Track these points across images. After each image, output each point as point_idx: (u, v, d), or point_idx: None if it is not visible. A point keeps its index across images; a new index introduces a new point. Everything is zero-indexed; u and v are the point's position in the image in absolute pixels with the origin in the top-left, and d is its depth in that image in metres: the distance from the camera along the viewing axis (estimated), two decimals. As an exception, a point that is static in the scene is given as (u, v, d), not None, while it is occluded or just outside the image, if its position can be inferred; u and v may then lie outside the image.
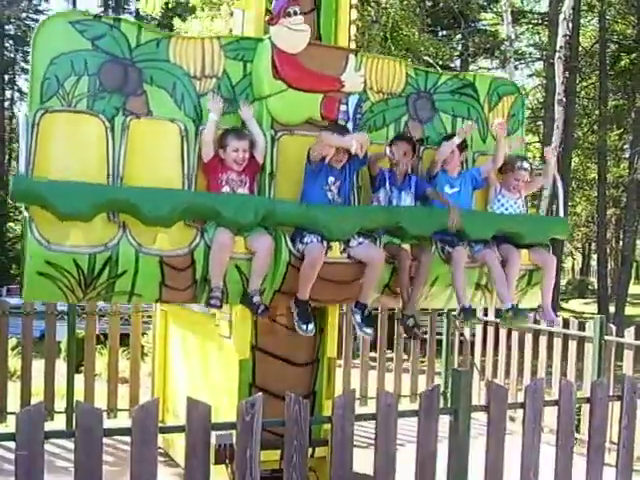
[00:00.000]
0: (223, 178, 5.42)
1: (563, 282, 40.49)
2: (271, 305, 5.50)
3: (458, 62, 32.80)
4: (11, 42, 36.75)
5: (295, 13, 5.55)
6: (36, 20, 36.20)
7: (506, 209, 6.31)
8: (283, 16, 5.52)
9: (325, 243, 5.40)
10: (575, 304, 40.19)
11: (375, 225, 5.61)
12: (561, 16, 23.93)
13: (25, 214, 4.92)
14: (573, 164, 33.03)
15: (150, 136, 5.34)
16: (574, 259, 45.98)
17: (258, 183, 5.61)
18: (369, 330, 5.63)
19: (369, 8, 23.61)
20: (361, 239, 5.57)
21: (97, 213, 4.92)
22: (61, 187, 4.82)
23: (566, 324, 8.68)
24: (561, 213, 6.83)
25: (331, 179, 5.59)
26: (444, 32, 31.08)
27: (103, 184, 5.08)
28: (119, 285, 5.09)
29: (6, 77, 37.00)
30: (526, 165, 6.37)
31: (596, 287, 33.50)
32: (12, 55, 37.01)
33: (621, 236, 34.08)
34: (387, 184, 5.84)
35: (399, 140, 5.94)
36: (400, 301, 5.83)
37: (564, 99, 23.91)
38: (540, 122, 32.16)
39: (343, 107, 5.75)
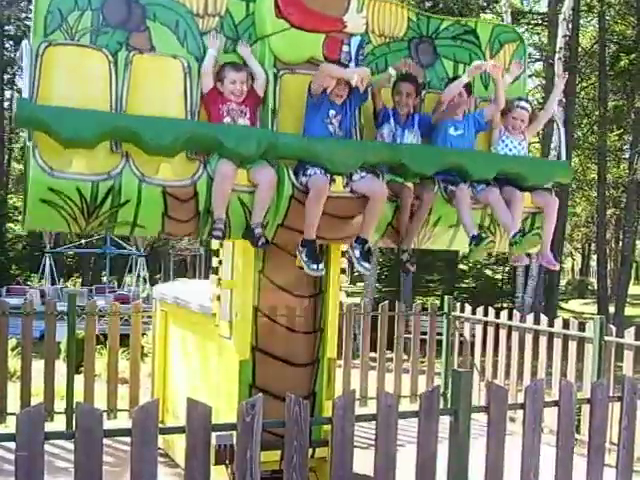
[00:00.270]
0: (224, 109, 5.44)
1: (563, 282, 40.44)
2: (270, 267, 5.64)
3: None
4: (11, 42, 36.77)
5: None
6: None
7: (510, 150, 6.31)
8: None
9: (328, 176, 5.39)
10: (575, 304, 40.18)
11: (377, 160, 5.60)
12: (560, 17, 24.02)
13: (27, 144, 4.96)
14: (573, 164, 33.09)
15: (153, 71, 5.37)
16: (574, 259, 46.00)
17: (261, 120, 5.62)
18: (367, 265, 5.59)
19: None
20: (364, 173, 5.57)
21: (100, 140, 4.94)
22: (64, 112, 4.83)
23: (566, 325, 8.68)
24: (563, 156, 6.89)
25: (332, 112, 5.61)
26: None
27: (106, 111, 5.12)
28: (122, 215, 5.10)
29: (5, 77, 36.97)
30: (524, 104, 6.36)
31: (596, 287, 33.53)
32: (12, 55, 37.00)
33: (621, 236, 34.10)
34: (391, 120, 5.88)
35: (403, 80, 5.96)
36: (400, 238, 5.86)
37: (564, 100, 23.94)
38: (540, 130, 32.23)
39: (345, 48, 5.78)
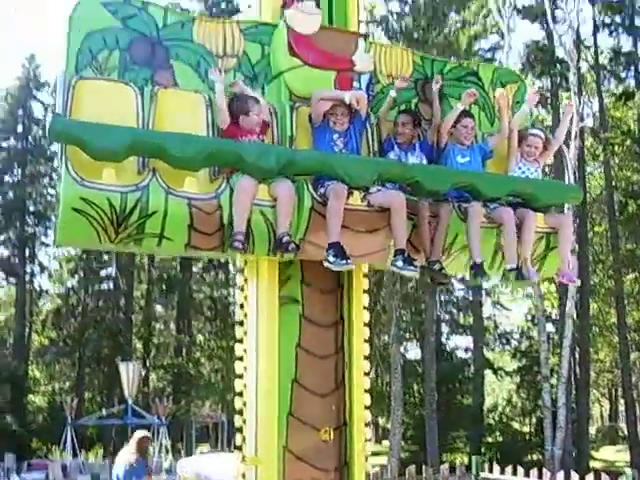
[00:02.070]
0: (245, 141, 5.74)
1: (592, 430, 39.41)
2: None
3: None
4: (32, 217, 38.00)
5: None
6: (55, 195, 37.59)
7: (526, 177, 6.54)
8: (296, 0, 6.07)
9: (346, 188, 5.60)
10: (607, 452, 38.95)
11: (391, 176, 5.83)
12: (565, 169, 24.68)
13: (61, 160, 5.25)
14: (592, 310, 33.09)
15: (177, 104, 5.75)
16: (601, 406, 45.05)
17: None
18: (412, 268, 5.67)
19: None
20: (380, 187, 5.80)
21: (128, 153, 5.22)
22: (95, 126, 5.15)
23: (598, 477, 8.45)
24: (571, 180, 7.09)
25: (335, 136, 5.97)
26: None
27: (134, 127, 5.47)
28: (149, 226, 5.31)
29: (27, 251, 37.97)
30: (537, 131, 6.68)
31: (626, 433, 32.64)
32: (32, 230, 38.17)
33: (647, 380, 33.60)
34: (395, 147, 6.25)
35: (401, 113, 6.40)
36: (421, 255, 6.00)
37: (577, 248, 24.40)
38: (556, 271, 32.46)
39: (356, 84, 6.17)
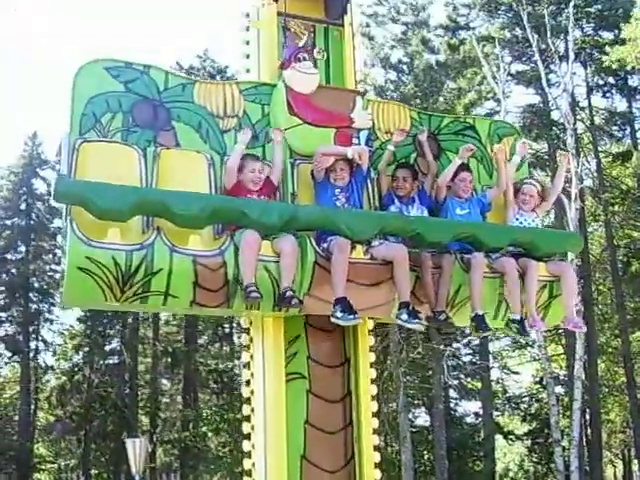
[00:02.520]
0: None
1: (607, 493, 38.80)
2: None
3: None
4: (35, 294, 38.00)
5: (304, 59, 6.28)
6: (60, 272, 37.67)
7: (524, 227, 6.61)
8: (294, 61, 6.25)
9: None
10: (623, 514, 38.31)
11: (393, 229, 5.89)
12: (567, 229, 24.85)
13: (65, 222, 5.35)
14: (600, 371, 32.85)
15: (179, 164, 5.92)
16: (614, 466, 44.32)
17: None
18: (417, 321, 5.71)
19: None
20: (382, 240, 5.87)
21: (132, 211, 5.31)
22: (99, 187, 5.27)
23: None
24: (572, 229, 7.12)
25: (337, 190, 6.10)
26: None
27: (138, 186, 5.61)
28: (155, 284, 5.36)
29: (31, 329, 37.89)
30: (530, 180, 6.82)
31: (641, 494, 32.18)
32: (36, 307, 38.14)
33: (660, 439, 33.12)
34: (396, 201, 6.36)
35: (400, 167, 6.53)
36: (426, 307, 6.02)
37: (582, 309, 24.37)
38: (562, 331, 32.36)
39: (355, 140, 6.30)
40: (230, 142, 6.19)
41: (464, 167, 6.58)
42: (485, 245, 6.12)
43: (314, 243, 5.68)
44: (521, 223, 6.63)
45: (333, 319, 5.57)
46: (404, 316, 5.69)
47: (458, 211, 6.46)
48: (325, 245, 5.67)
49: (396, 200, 6.37)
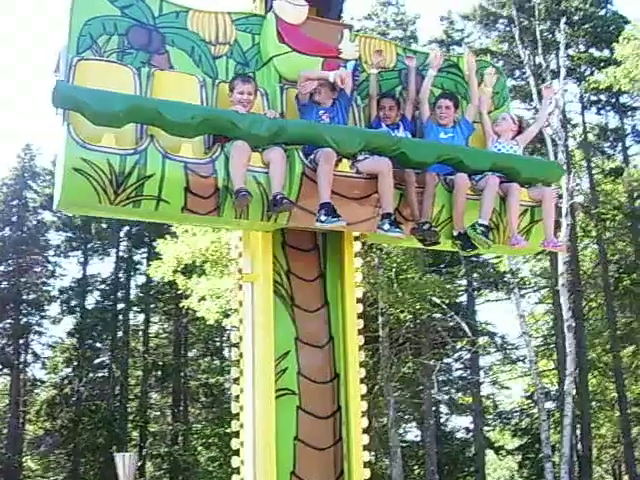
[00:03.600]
0: None
1: (598, 508, 38.65)
2: None
3: (464, 297, 33.69)
4: (26, 306, 37.94)
5: None
6: (50, 285, 37.93)
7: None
8: None
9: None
10: (615, 530, 38.09)
11: (378, 145, 6.05)
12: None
13: (62, 126, 5.49)
14: (591, 386, 32.87)
15: (172, 85, 6.08)
16: (605, 483, 44.19)
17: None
18: (399, 230, 5.91)
19: (372, 254, 24.96)
20: (367, 154, 6.05)
21: (127, 118, 5.49)
22: (96, 92, 5.47)
23: None
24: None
25: (321, 111, 6.28)
26: (447, 269, 32.11)
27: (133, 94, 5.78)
28: (147, 188, 5.54)
29: (20, 342, 37.79)
30: (504, 114, 7.06)
31: (632, 509, 32.06)
32: (27, 320, 38.07)
33: (650, 455, 33.11)
34: (383, 125, 6.58)
35: (385, 97, 6.76)
36: (410, 224, 6.19)
37: (573, 324, 24.49)
38: (553, 346, 32.48)
39: (342, 69, 6.42)
40: (221, 67, 6.39)
41: (444, 95, 6.87)
42: (467, 168, 6.30)
43: (302, 155, 5.86)
44: (499, 150, 6.81)
45: (318, 223, 5.74)
46: (386, 226, 5.88)
47: (442, 135, 6.69)
48: (312, 157, 5.86)
49: (383, 125, 6.57)
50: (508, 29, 32.17)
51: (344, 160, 5.94)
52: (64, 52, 5.88)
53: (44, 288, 38.10)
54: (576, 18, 31.57)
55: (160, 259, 23.86)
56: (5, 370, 38.21)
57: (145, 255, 37.52)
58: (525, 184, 6.55)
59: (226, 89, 6.23)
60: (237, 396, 6.33)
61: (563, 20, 27.19)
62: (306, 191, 5.84)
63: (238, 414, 6.28)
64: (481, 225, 6.18)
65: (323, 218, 5.70)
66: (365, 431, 6.31)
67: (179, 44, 6.31)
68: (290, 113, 6.32)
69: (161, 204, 5.65)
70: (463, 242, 6.21)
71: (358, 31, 29.51)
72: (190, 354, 39.05)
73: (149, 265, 28.28)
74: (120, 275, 38.38)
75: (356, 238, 6.65)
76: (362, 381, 6.41)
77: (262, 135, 5.76)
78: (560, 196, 26.02)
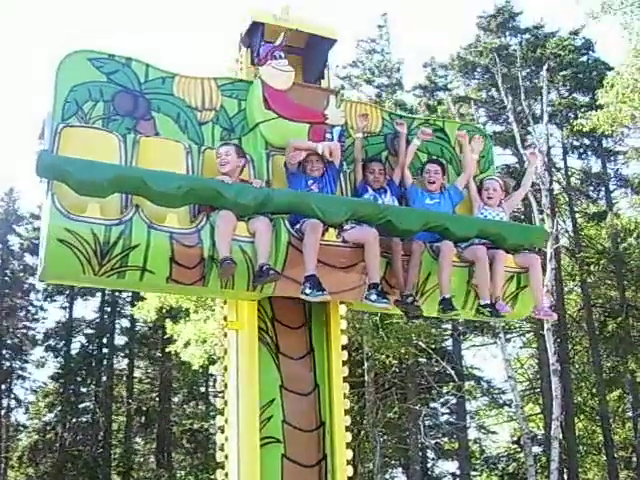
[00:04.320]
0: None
1: None
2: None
3: (450, 342, 33.66)
4: (9, 351, 37.61)
5: (280, 57, 6.50)
6: (33, 329, 37.65)
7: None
8: (270, 58, 6.47)
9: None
10: None
11: (365, 214, 6.03)
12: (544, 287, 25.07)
13: (45, 198, 5.47)
14: (577, 430, 32.75)
15: (158, 152, 6.06)
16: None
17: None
18: (386, 301, 5.87)
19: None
20: (354, 224, 6.03)
21: (111, 187, 5.45)
22: (80, 162, 5.43)
23: None
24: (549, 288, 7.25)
25: (310, 181, 6.29)
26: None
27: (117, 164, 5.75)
28: (132, 258, 5.49)
29: (3, 386, 37.39)
30: (492, 177, 7.09)
31: None
32: (9, 364, 37.71)
33: (638, 497, 32.92)
34: (369, 189, 6.59)
35: (373, 161, 6.77)
36: (396, 292, 6.17)
37: (559, 368, 24.44)
38: (539, 390, 32.38)
39: (328, 136, 6.48)
40: (207, 133, 6.40)
41: (431, 160, 6.90)
42: (454, 235, 6.29)
43: (288, 225, 5.83)
44: (486, 217, 6.82)
45: (302, 295, 5.71)
46: (373, 296, 5.85)
47: (428, 201, 6.70)
48: (298, 226, 5.84)
49: (369, 189, 6.57)
50: (486, 77, 32.47)
51: (330, 229, 5.92)
52: (49, 119, 5.87)
53: (27, 332, 37.76)
54: (555, 64, 31.88)
55: (144, 300, 23.80)
56: (-13, 416, 37.75)
57: (129, 298, 37.29)
58: (511, 250, 6.54)
59: (212, 155, 6.23)
60: (222, 445, 6.28)
61: (545, 67, 27.40)
62: (292, 260, 5.80)
63: (223, 463, 6.22)
64: (485, 306, 6.25)
65: (308, 291, 5.67)
66: (351, 479, 6.25)
67: (165, 110, 6.32)
68: (277, 180, 6.31)
69: (146, 274, 5.61)
70: (445, 305, 6.19)
71: (344, 78, 30.31)
72: (175, 399, 38.71)
73: (134, 306, 28.13)
74: (105, 318, 38.15)
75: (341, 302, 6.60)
76: (348, 428, 6.36)
77: (248, 204, 5.73)
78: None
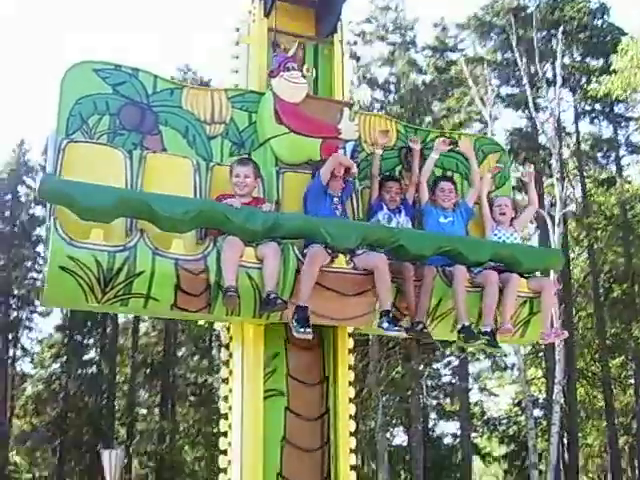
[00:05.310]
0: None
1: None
2: None
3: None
4: (16, 301, 37.73)
5: (293, 68, 6.29)
6: (40, 280, 37.58)
7: (503, 241, 6.65)
8: (283, 70, 6.26)
9: (330, 251, 5.67)
10: (600, 541, 38.27)
11: (376, 239, 5.88)
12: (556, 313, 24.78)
13: (48, 222, 5.34)
14: (579, 395, 32.89)
15: (165, 168, 5.91)
16: (591, 492, 44.39)
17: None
18: (398, 328, 5.77)
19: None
20: (365, 250, 5.86)
21: (116, 213, 5.29)
22: (84, 186, 5.24)
23: None
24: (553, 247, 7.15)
25: (335, 199, 6.12)
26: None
27: (122, 187, 5.59)
28: (136, 286, 5.33)
29: (10, 336, 37.57)
30: (502, 196, 6.91)
31: (617, 518, 32.18)
32: (17, 314, 37.87)
33: (636, 464, 33.20)
34: (385, 207, 6.41)
35: (388, 180, 6.58)
36: (408, 318, 6.04)
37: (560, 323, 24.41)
38: (542, 354, 32.41)
39: (341, 151, 6.26)
40: (216, 148, 6.22)
41: (444, 177, 6.72)
42: (467, 259, 6.12)
43: (297, 251, 5.67)
44: (499, 238, 6.68)
45: (291, 325, 5.60)
46: (385, 324, 5.73)
47: (441, 219, 6.54)
48: (306, 251, 5.69)
49: (385, 207, 6.42)
50: (502, 38, 31.93)
51: (341, 256, 5.76)
52: (52, 135, 5.68)
53: (34, 283, 37.78)
54: (571, 28, 31.35)
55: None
56: (-6, 364, 37.99)
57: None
58: (525, 274, 6.39)
59: (221, 172, 6.07)
60: (226, 397, 6.28)
61: (560, 29, 26.91)
62: (300, 288, 5.64)
63: (227, 414, 6.22)
64: (484, 333, 6.07)
65: (294, 324, 5.55)
66: (353, 434, 6.26)
67: (173, 124, 6.13)
68: (287, 199, 6.14)
69: (150, 302, 5.45)
70: (467, 334, 6.01)
71: (357, 35, 29.79)
72: (179, 353, 38.89)
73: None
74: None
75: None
76: (351, 384, 6.34)
77: (257, 230, 5.56)
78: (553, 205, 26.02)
